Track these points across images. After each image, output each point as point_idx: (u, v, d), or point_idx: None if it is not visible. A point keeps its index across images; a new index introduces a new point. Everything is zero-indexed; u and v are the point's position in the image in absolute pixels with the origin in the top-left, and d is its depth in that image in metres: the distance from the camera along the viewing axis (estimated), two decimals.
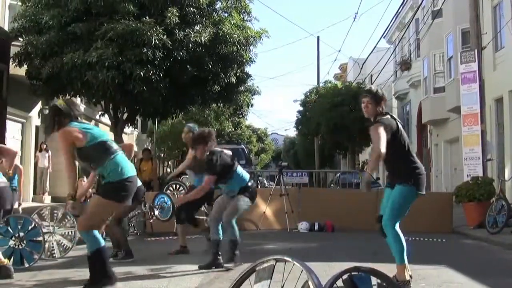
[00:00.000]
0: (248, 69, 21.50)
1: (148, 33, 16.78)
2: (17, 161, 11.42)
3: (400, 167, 7.35)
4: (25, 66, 18.69)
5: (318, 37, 46.78)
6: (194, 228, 10.56)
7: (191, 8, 18.44)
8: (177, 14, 17.56)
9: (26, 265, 8.87)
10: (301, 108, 45.05)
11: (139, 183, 8.30)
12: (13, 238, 8.89)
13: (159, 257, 9.35)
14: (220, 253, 8.86)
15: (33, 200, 21.82)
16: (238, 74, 20.38)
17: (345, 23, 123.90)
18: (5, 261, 8.03)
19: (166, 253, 10.36)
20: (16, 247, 8.85)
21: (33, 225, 9.08)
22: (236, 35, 18.93)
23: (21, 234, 8.93)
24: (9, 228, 8.88)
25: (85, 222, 6.75)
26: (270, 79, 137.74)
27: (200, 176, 9.86)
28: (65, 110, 6.77)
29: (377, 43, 48.58)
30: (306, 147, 50.36)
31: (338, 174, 34.38)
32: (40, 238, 9.07)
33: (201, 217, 14.85)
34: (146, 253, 11.22)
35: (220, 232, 9.03)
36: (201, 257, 9.41)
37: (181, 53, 17.81)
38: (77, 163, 7.11)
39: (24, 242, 8.95)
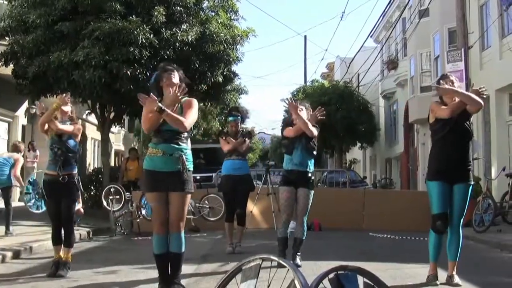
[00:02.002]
0: (235, 68, 21.45)
1: (135, 32, 16.73)
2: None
3: (468, 160, 7.44)
4: (11, 65, 18.59)
5: (305, 36, 46.75)
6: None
7: (178, 7, 18.39)
8: (163, 13, 17.50)
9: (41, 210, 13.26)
10: None
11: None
12: (37, 193, 13.67)
13: (146, 257, 9.33)
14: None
15: (19, 200, 21.70)
16: (225, 73, 20.33)
17: (332, 22, 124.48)
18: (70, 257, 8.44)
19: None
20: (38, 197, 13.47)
21: None
22: (223, 34, 18.88)
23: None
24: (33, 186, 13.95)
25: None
26: (257, 78, 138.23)
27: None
28: None
29: (364, 42, 48.70)
30: None
31: (325, 173, 34.43)
32: None
33: (187, 216, 14.89)
34: (133, 252, 11.22)
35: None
36: (191, 256, 9.40)
37: (168, 52, 17.75)
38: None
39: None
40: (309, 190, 9.14)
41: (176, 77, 6.76)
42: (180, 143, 6.60)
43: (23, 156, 22.51)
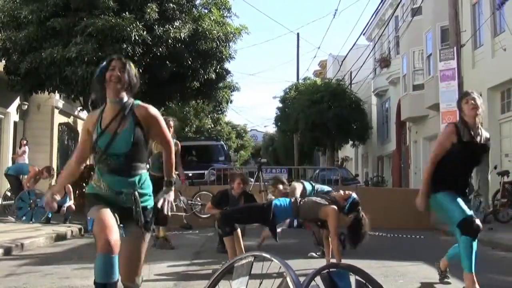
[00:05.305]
0: (227, 65, 21.46)
1: (128, 28, 16.69)
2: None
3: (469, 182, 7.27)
4: (3, 61, 18.54)
5: (298, 34, 46.86)
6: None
7: (171, 4, 18.37)
8: (156, 10, 17.48)
9: (33, 220, 15.37)
10: (280, 105, 45.12)
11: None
12: (29, 206, 15.64)
13: None
14: None
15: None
16: (217, 71, 20.33)
17: (325, 20, 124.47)
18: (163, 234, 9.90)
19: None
20: (30, 209, 15.59)
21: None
22: (215, 31, 18.88)
23: (35, 203, 15.57)
24: (28, 197, 15.79)
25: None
26: (250, 76, 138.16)
27: None
28: None
29: (356, 40, 48.64)
30: (285, 144, 50.35)
31: (317, 171, 34.46)
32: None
33: (179, 214, 14.92)
34: None
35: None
36: (183, 253, 9.39)
37: (160, 49, 17.74)
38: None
39: (35, 208, 15.53)
40: None
41: (125, 74, 5.04)
42: (133, 172, 4.73)
43: (15, 153, 22.69)
